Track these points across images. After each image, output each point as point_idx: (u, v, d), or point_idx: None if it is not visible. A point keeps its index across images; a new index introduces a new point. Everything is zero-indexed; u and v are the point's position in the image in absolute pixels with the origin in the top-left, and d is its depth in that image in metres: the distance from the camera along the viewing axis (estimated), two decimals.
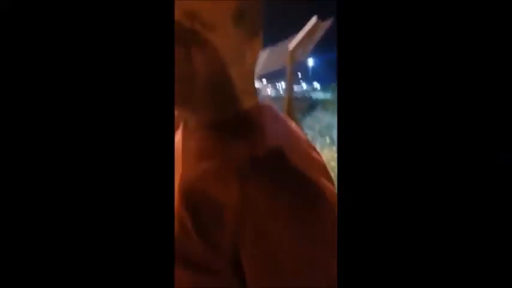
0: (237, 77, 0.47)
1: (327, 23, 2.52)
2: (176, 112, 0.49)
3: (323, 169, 0.45)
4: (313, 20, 2.59)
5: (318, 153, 0.48)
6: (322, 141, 5.38)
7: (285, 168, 0.42)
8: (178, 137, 0.54)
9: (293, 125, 0.52)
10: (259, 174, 0.41)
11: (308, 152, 0.46)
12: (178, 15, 0.41)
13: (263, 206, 0.40)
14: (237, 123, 0.48)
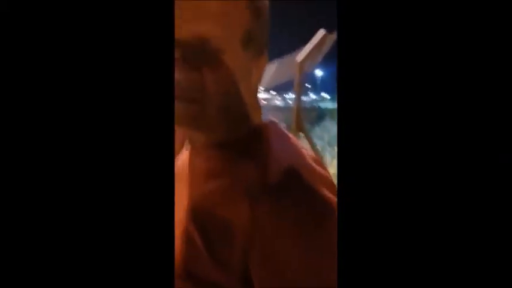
0: (245, 94, 0.48)
1: (335, 35, 2.55)
2: (184, 131, 0.50)
3: (330, 183, 0.46)
4: (321, 32, 2.63)
5: (323, 166, 0.49)
6: (332, 151, 5.35)
7: (294, 186, 0.42)
8: (184, 156, 0.55)
9: (296, 140, 0.53)
10: (269, 193, 0.42)
11: (313, 167, 0.47)
12: (189, 38, 0.43)
13: (272, 225, 0.41)
14: (245, 141, 0.49)
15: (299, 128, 2.73)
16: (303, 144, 0.54)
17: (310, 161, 0.48)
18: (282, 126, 0.55)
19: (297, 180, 0.42)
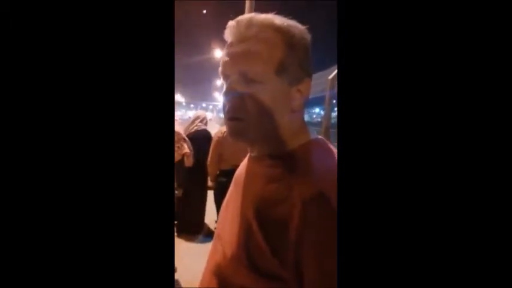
0: (284, 115, 0.56)
1: None
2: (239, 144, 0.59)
3: None
4: None
5: None
6: None
7: (319, 208, 0.47)
8: (243, 163, 0.65)
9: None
10: (302, 208, 0.48)
11: None
12: (234, 73, 0.53)
13: (315, 230, 0.46)
14: (293, 155, 0.56)
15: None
16: None
17: None
18: (329, 143, 0.60)
19: (323, 202, 0.47)
